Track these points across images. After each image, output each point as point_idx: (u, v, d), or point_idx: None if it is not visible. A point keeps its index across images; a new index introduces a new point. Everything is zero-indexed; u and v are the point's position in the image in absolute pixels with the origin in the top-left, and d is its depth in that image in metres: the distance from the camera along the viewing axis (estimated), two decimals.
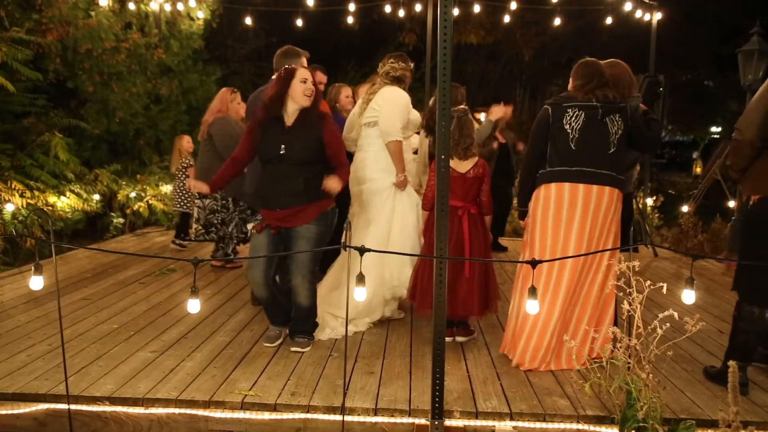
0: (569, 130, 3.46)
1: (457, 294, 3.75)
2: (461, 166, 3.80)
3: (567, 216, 3.43)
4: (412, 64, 4.32)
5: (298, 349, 3.67)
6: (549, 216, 3.48)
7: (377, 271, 4.04)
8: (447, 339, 3.87)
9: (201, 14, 9.52)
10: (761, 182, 3.21)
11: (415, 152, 5.54)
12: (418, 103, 10.72)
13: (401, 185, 4.15)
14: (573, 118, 3.46)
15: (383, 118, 4.08)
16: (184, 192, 6.83)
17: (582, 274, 3.47)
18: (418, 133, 6.09)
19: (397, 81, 4.21)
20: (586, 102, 3.46)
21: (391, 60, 4.24)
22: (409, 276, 4.08)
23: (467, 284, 3.76)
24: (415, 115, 4.30)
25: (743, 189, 3.38)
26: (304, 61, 4.32)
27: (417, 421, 2.92)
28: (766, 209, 3.20)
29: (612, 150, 3.44)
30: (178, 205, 6.91)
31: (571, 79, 3.62)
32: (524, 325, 3.52)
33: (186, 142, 6.94)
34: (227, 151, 5.47)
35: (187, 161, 6.91)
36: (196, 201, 5.84)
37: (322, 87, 4.84)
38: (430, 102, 4.99)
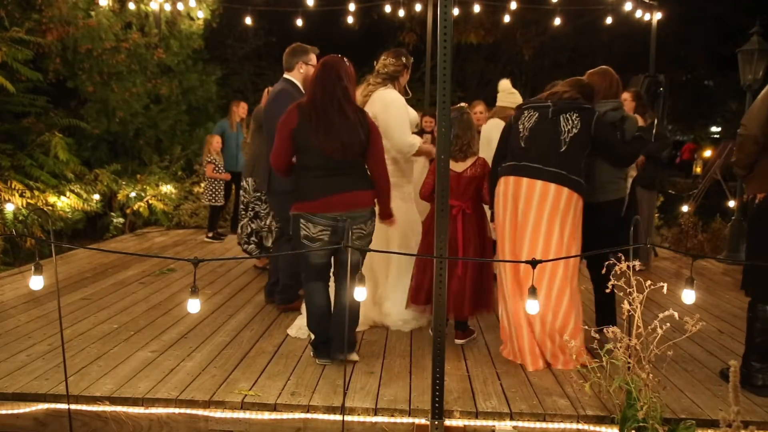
0: (521, 129, 3.53)
1: (448, 294, 3.73)
2: (458, 165, 3.78)
3: (511, 209, 3.49)
4: (405, 59, 4.17)
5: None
6: (499, 209, 3.58)
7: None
8: (459, 341, 3.90)
9: (201, 14, 9.52)
10: (764, 180, 3.24)
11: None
12: (418, 103, 10.73)
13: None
14: (527, 118, 3.54)
15: (395, 137, 3.98)
16: (209, 186, 7.15)
17: (518, 275, 3.48)
18: (419, 133, 6.09)
19: (390, 79, 4.12)
20: (540, 102, 3.54)
21: (383, 56, 4.20)
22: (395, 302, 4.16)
23: (459, 283, 3.75)
24: (413, 115, 4.26)
25: (748, 188, 3.38)
26: (313, 57, 4.31)
27: (417, 421, 2.92)
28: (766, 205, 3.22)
29: (563, 149, 3.41)
30: (206, 199, 7.27)
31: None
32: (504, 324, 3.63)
33: (216, 142, 7.24)
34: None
35: (209, 158, 7.17)
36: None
37: None
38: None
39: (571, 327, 3.46)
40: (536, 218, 3.41)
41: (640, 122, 4.52)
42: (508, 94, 5.34)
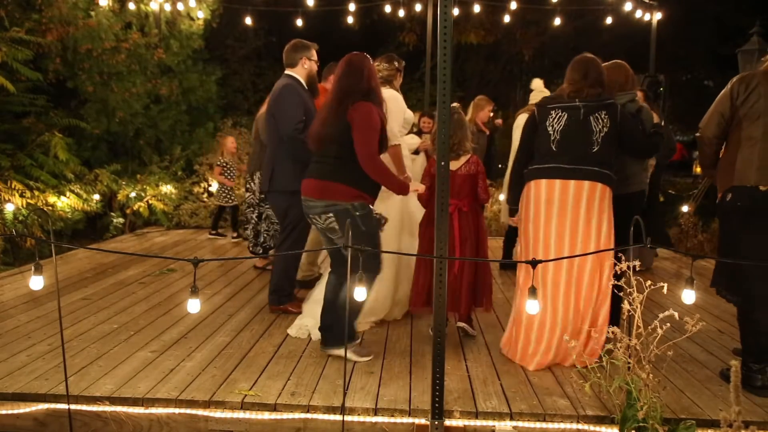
0: (551, 132, 3.48)
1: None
2: (452, 164, 3.77)
3: (545, 213, 3.46)
4: (396, 63, 4.26)
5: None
6: (530, 214, 3.54)
7: (389, 271, 4.04)
8: (460, 324, 3.91)
9: (201, 14, 9.51)
10: (721, 180, 3.36)
11: (415, 152, 5.56)
12: (417, 103, 10.72)
13: None
14: (555, 120, 3.49)
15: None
16: (222, 188, 7.18)
17: (571, 272, 3.45)
18: (417, 133, 6.11)
19: (385, 82, 4.19)
20: (569, 102, 3.48)
21: (376, 62, 4.25)
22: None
23: (454, 281, 3.76)
24: (409, 114, 4.31)
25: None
26: (314, 53, 4.33)
27: (417, 421, 2.92)
28: (721, 205, 3.31)
29: (595, 149, 3.41)
30: (220, 200, 7.29)
31: (567, 74, 3.61)
32: (519, 325, 3.55)
33: (230, 143, 7.29)
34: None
35: (220, 161, 7.18)
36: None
37: None
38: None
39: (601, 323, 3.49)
40: (573, 219, 3.40)
41: (655, 118, 4.57)
42: (539, 93, 5.62)
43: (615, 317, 3.64)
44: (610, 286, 3.43)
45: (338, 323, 3.49)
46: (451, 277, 3.73)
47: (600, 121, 3.42)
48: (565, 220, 3.42)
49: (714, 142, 3.39)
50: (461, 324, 3.90)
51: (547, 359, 3.49)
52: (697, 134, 3.46)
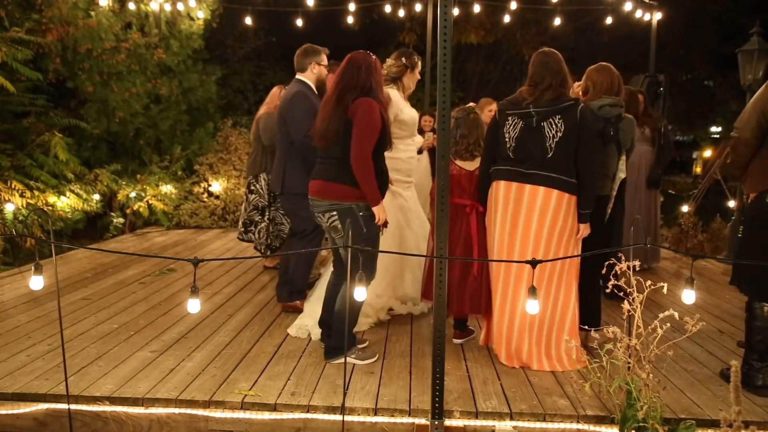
0: (507, 139, 3.50)
1: (465, 292, 3.76)
2: (469, 164, 3.80)
3: (501, 212, 3.51)
4: (405, 59, 4.15)
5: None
6: (491, 211, 3.61)
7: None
8: (456, 341, 3.90)
9: (201, 14, 9.51)
10: (757, 180, 3.31)
11: (419, 152, 5.55)
12: (417, 103, 10.73)
13: None
14: (511, 127, 3.50)
15: None
16: None
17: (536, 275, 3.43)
18: (418, 132, 6.09)
19: (392, 80, 4.16)
20: (524, 110, 3.46)
21: (387, 59, 4.24)
22: (395, 289, 4.21)
23: (475, 282, 3.77)
24: (409, 115, 4.23)
25: (745, 188, 3.45)
26: (324, 57, 4.33)
27: (417, 421, 2.93)
28: (759, 206, 3.27)
29: (550, 155, 3.40)
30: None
31: (528, 70, 3.57)
32: (492, 318, 3.68)
33: None
34: (271, 145, 5.22)
35: None
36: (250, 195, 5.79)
37: None
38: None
39: (568, 327, 3.48)
40: (526, 221, 3.43)
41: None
42: None
43: (594, 317, 3.68)
44: (572, 294, 3.51)
45: (336, 328, 3.49)
46: (471, 279, 3.76)
47: (553, 126, 3.39)
48: (518, 222, 3.45)
49: (753, 143, 3.28)
50: (458, 341, 3.90)
51: (517, 355, 3.54)
52: (733, 134, 3.38)
